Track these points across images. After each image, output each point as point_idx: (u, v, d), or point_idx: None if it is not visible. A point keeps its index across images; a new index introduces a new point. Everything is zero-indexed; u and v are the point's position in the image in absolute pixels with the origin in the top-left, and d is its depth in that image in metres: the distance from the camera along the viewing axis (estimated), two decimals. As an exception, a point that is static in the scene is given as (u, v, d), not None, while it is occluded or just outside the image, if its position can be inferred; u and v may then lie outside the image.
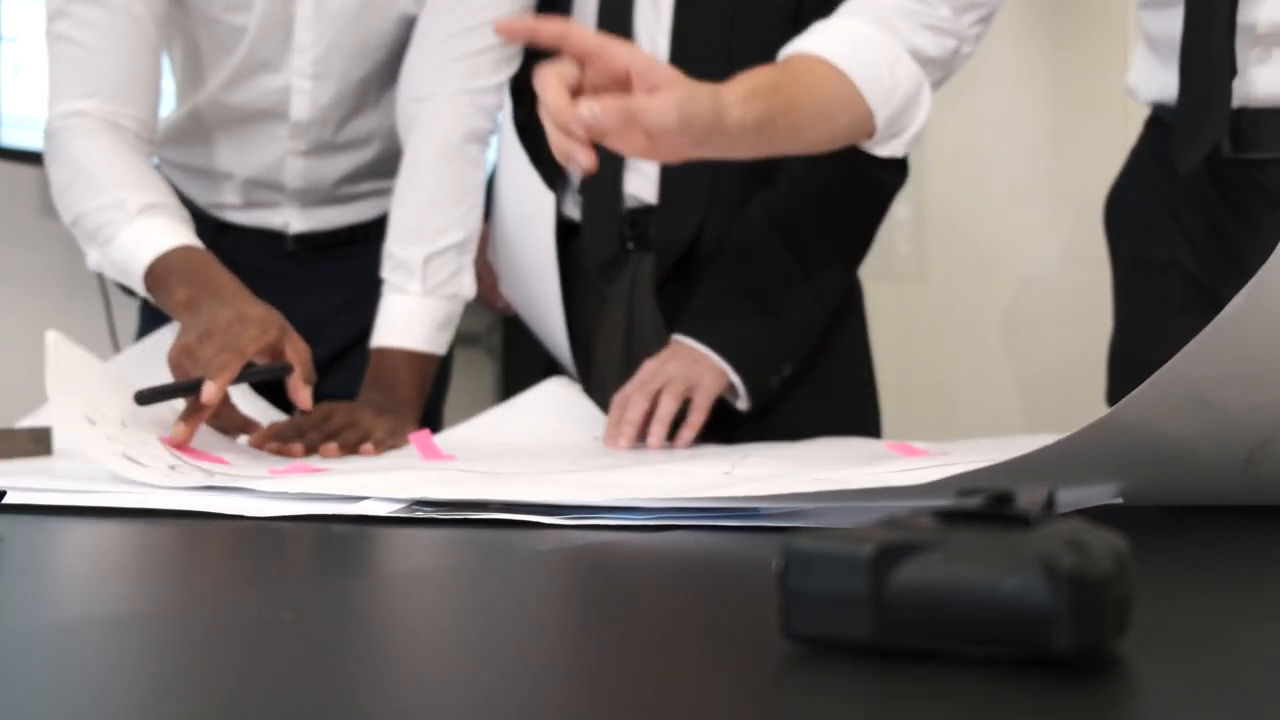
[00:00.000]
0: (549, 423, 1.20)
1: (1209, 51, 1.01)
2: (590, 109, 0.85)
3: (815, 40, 1.04)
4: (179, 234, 1.10)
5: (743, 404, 1.20)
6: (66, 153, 1.14)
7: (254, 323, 0.98)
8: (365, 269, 1.32)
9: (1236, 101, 1.05)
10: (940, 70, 1.09)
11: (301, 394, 1.00)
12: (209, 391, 0.90)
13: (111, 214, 1.10)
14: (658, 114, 0.88)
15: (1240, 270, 1.11)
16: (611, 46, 0.89)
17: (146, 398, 0.90)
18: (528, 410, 1.23)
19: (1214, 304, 1.11)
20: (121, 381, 0.94)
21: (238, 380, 0.95)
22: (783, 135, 0.99)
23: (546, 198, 1.24)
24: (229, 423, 1.02)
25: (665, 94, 0.88)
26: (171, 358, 0.98)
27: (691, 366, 1.16)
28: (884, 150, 1.09)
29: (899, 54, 1.04)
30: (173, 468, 0.79)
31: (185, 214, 1.15)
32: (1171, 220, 1.17)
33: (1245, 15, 1.02)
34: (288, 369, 0.99)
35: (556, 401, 1.25)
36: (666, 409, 1.12)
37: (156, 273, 1.07)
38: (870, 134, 1.06)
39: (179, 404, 0.94)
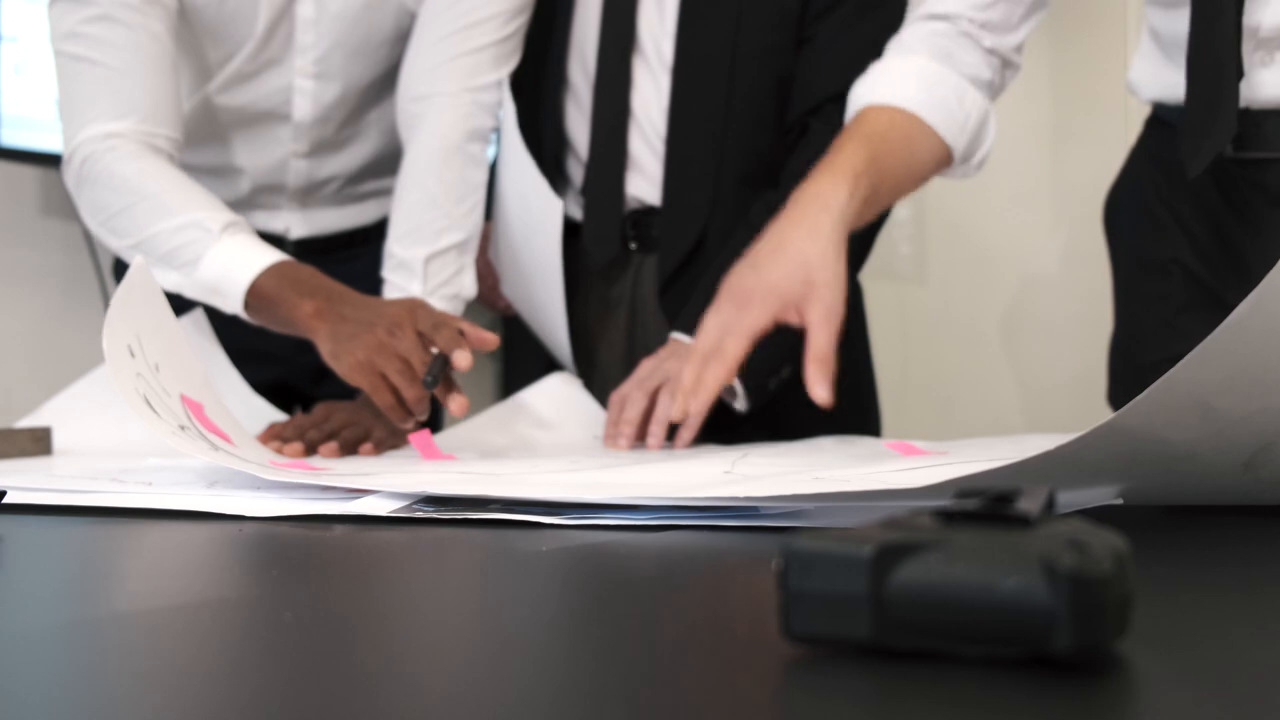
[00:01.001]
0: (550, 420, 1.20)
1: (1215, 53, 1.01)
2: (820, 390, 0.93)
3: (886, 88, 1.06)
4: (270, 250, 1.10)
5: (741, 405, 1.20)
6: (115, 175, 1.12)
7: (425, 305, 1.05)
8: (364, 271, 1.32)
9: (1240, 103, 1.05)
10: (994, 91, 1.11)
11: (486, 336, 1.05)
12: (466, 359, 0.99)
13: (191, 234, 1.10)
14: (826, 344, 0.94)
15: (1241, 270, 1.11)
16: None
17: (430, 382, 0.98)
18: (529, 408, 1.23)
19: (1216, 304, 1.13)
20: (179, 331, 0.94)
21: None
22: (884, 198, 1.04)
23: (554, 204, 1.24)
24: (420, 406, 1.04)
25: (816, 330, 0.94)
26: (361, 360, 1.00)
27: None
28: (958, 174, 1.11)
29: (964, 86, 1.06)
30: (183, 428, 0.79)
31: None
32: (1172, 220, 1.17)
33: (1248, 18, 1.02)
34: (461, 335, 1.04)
35: (557, 398, 1.24)
36: (665, 409, 1.12)
37: (264, 289, 1.07)
38: (948, 164, 1.09)
39: (186, 362, 0.94)
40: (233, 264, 1.08)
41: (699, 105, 1.25)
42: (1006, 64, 1.11)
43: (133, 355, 0.80)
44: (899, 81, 1.05)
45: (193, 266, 1.10)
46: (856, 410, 1.32)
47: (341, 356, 1.02)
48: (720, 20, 1.24)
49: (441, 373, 1.00)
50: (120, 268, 1.41)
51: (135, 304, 0.84)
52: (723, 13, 1.24)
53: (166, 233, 1.10)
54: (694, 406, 0.93)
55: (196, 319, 1.21)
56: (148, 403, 0.77)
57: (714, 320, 0.97)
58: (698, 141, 1.26)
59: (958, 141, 1.06)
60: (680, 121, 1.26)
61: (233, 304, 1.09)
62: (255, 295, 1.08)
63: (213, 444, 0.80)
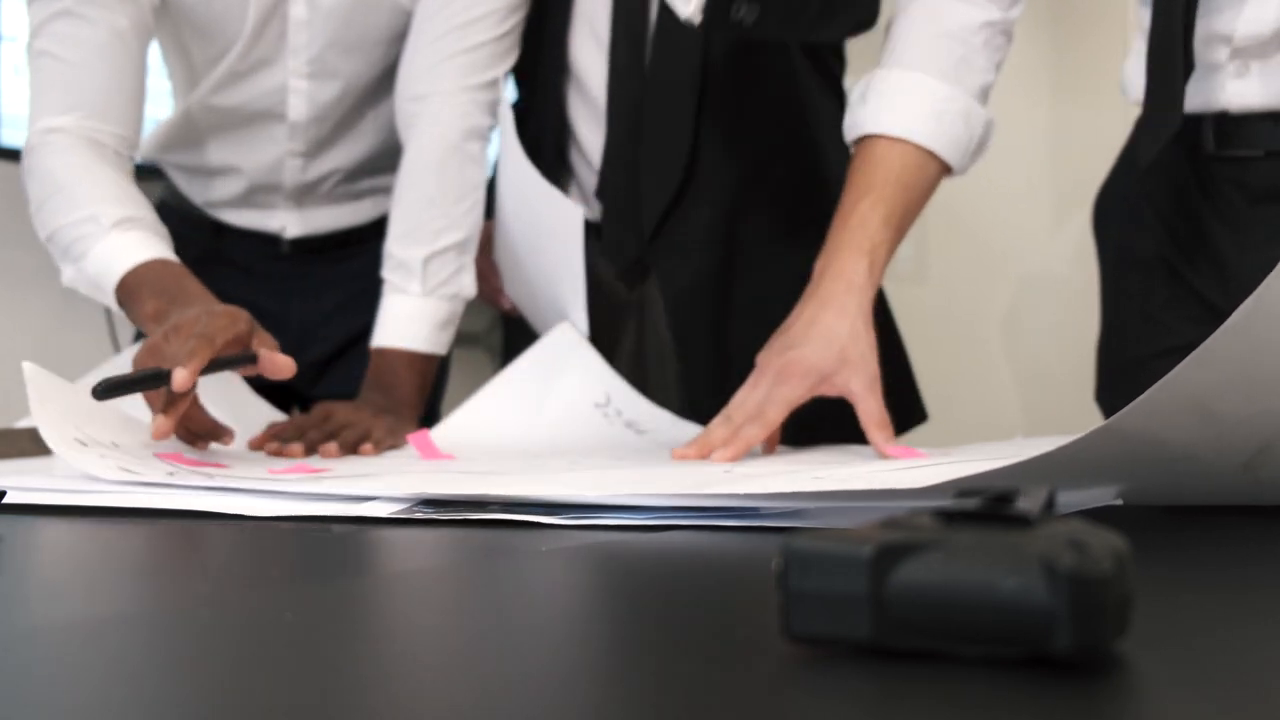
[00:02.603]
0: (551, 389, 1.18)
1: (1167, 50, 1.04)
2: (891, 451, 0.96)
3: (892, 118, 1.05)
4: (154, 248, 1.07)
5: (688, 11, 1.04)
6: (43, 169, 1.12)
7: (222, 314, 0.94)
8: (360, 270, 1.32)
9: (1219, 106, 1.08)
10: (993, 86, 1.11)
11: (279, 360, 0.95)
12: (181, 378, 0.85)
13: (86, 228, 1.08)
14: (877, 408, 0.98)
15: (1219, 266, 1.12)
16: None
17: (105, 390, 0.82)
18: (529, 375, 1.20)
19: (1196, 299, 1.14)
20: (103, 405, 0.87)
21: (206, 370, 0.89)
22: (901, 237, 1.05)
23: (574, 211, 1.20)
24: (199, 426, 0.94)
25: (863, 400, 0.98)
26: (137, 359, 0.93)
27: None
28: (956, 175, 1.11)
29: (969, 104, 1.06)
30: (171, 474, 0.79)
31: (163, 229, 1.12)
32: (1156, 217, 1.18)
33: (1222, 26, 1.05)
34: (253, 357, 0.94)
35: (557, 357, 1.22)
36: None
37: (129, 286, 1.04)
38: (948, 174, 1.10)
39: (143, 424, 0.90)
40: (113, 259, 1.06)
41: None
42: (1009, 41, 1.11)
43: (85, 445, 0.80)
44: (906, 110, 1.04)
45: (82, 260, 1.08)
46: (901, 403, 1.28)
47: (137, 353, 0.95)
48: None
49: (130, 386, 0.85)
50: None
51: (53, 405, 0.83)
52: None
53: (68, 225, 1.09)
54: (725, 456, 0.94)
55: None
56: (130, 472, 0.77)
57: (752, 395, 0.99)
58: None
59: (962, 162, 1.08)
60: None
61: (109, 301, 1.07)
62: (122, 292, 1.05)
63: (208, 475, 0.80)
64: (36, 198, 1.13)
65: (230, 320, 0.93)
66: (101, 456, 0.79)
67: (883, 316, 1.31)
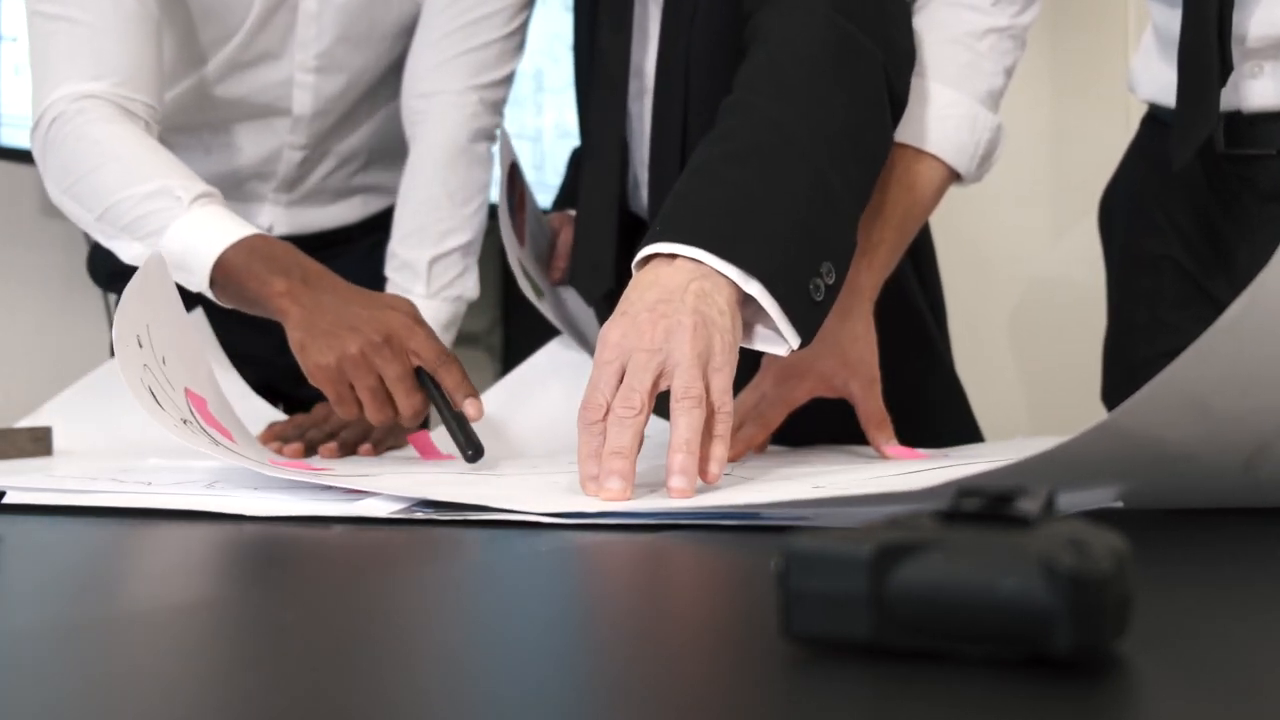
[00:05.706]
0: (552, 394, 1.18)
1: (1200, 50, 1.03)
2: (891, 450, 0.97)
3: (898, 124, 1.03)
4: (244, 224, 1.02)
5: (790, 341, 0.77)
6: (85, 137, 1.05)
7: (413, 325, 0.96)
8: (348, 269, 1.31)
9: (1232, 106, 1.07)
10: (1004, 92, 1.09)
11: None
12: (477, 408, 0.94)
13: (159, 202, 1.02)
14: (877, 409, 0.98)
15: (1228, 266, 1.12)
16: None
17: (477, 452, 0.90)
18: (530, 384, 1.20)
19: (1205, 300, 1.14)
20: (189, 325, 0.89)
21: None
22: (905, 243, 1.05)
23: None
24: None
25: (863, 402, 0.98)
26: (329, 364, 0.93)
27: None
28: (965, 184, 1.09)
29: (976, 110, 1.05)
30: (185, 421, 0.78)
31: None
32: (1164, 217, 1.18)
33: (1236, 26, 1.05)
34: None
35: (558, 366, 1.21)
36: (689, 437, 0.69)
37: (232, 263, 0.98)
38: (956, 181, 1.08)
39: (185, 351, 0.90)
40: (200, 237, 0.99)
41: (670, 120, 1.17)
42: (1019, 47, 1.10)
43: (141, 346, 0.79)
44: (908, 115, 1.03)
45: (157, 237, 1.01)
46: (952, 413, 1.25)
47: (309, 352, 0.94)
48: (679, 28, 1.10)
49: (466, 431, 0.92)
50: (95, 268, 1.40)
51: (148, 294, 0.83)
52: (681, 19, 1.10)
53: (133, 199, 1.02)
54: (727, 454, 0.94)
55: (196, 320, 1.20)
56: (152, 394, 0.77)
57: (752, 395, 0.99)
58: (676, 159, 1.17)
59: (969, 168, 1.07)
60: (658, 137, 1.18)
61: (198, 281, 1.00)
62: (222, 271, 0.99)
63: (214, 439, 0.80)
64: (77, 169, 1.06)
65: (425, 328, 0.96)
66: (145, 366, 0.77)
67: (946, 369, 1.25)
